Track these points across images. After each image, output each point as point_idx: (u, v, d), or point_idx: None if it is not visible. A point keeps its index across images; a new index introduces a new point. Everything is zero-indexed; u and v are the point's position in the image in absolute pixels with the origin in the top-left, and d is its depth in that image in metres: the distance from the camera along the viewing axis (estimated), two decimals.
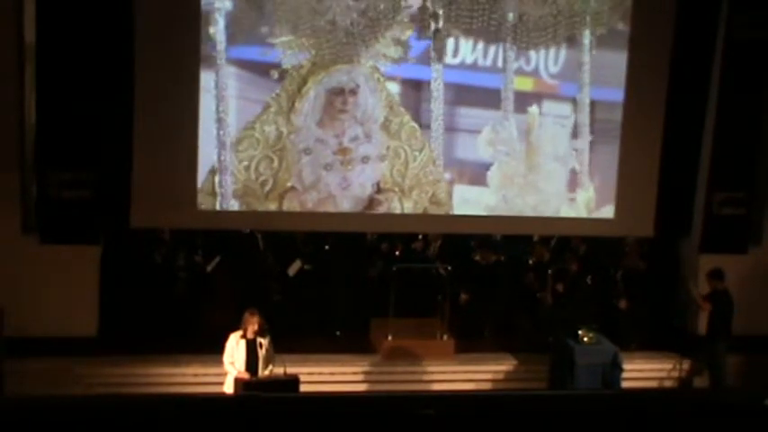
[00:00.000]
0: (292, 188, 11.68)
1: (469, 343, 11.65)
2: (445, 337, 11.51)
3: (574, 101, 11.98)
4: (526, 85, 12.02)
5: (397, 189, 11.89)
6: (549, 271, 11.79)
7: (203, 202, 11.31)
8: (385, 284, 11.52)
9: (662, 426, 4.60)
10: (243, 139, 11.38)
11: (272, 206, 11.51)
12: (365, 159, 11.75)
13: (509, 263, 12.37)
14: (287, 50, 11.30)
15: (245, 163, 11.45)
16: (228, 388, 9.26)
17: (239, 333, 9.25)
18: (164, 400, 5.00)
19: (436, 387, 11.02)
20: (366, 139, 11.80)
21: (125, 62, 10.60)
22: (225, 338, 9.33)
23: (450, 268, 11.55)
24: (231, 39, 11.13)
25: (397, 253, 12.55)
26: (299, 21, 11.32)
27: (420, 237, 12.76)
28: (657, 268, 12.41)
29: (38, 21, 10.36)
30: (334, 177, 11.75)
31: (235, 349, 9.23)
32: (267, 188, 11.59)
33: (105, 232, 11.10)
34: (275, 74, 11.37)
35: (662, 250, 12.50)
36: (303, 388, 9.37)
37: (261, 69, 11.40)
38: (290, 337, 10.26)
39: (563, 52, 11.84)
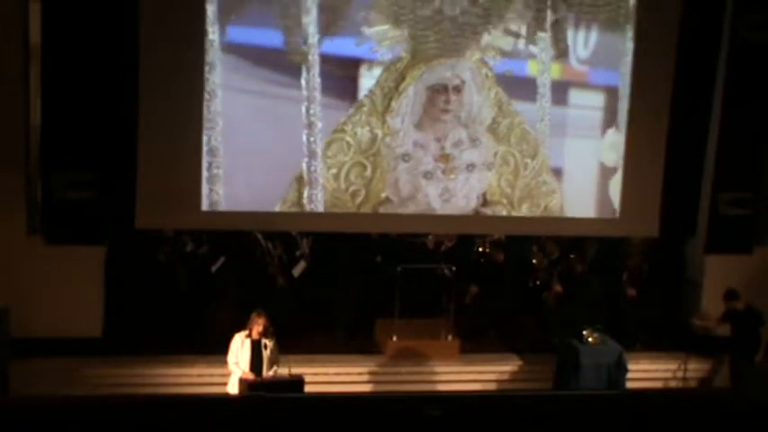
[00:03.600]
0: (387, 200, 10.69)
1: (475, 343, 11.64)
2: (450, 337, 11.50)
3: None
4: None
5: (505, 201, 10.83)
6: (556, 272, 11.78)
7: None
8: (390, 285, 11.50)
9: (666, 426, 4.59)
10: (331, 143, 10.39)
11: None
12: (470, 167, 10.66)
13: (514, 263, 12.35)
14: (382, 42, 10.20)
15: (334, 170, 10.44)
16: (233, 388, 9.26)
17: (244, 333, 9.26)
18: (168, 401, 5.00)
19: (441, 387, 11.01)
20: (471, 144, 10.66)
21: (130, 63, 10.60)
22: (230, 339, 9.34)
23: (455, 269, 11.54)
24: (323, 30, 10.02)
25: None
26: (401, 10, 10.15)
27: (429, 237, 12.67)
28: (662, 268, 12.39)
29: (43, 22, 10.38)
30: (435, 188, 10.69)
31: (239, 350, 9.23)
32: (359, 199, 10.66)
33: (110, 233, 11.11)
34: (369, 68, 10.37)
35: (667, 251, 12.48)
36: (308, 389, 9.37)
37: (353, 64, 10.24)
38: (295, 337, 10.27)
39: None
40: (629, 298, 11.95)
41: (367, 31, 10.18)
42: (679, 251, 12.53)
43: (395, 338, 11.36)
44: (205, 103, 10.79)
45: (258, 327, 9.20)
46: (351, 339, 11.71)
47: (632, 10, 11.56)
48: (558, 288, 11.53)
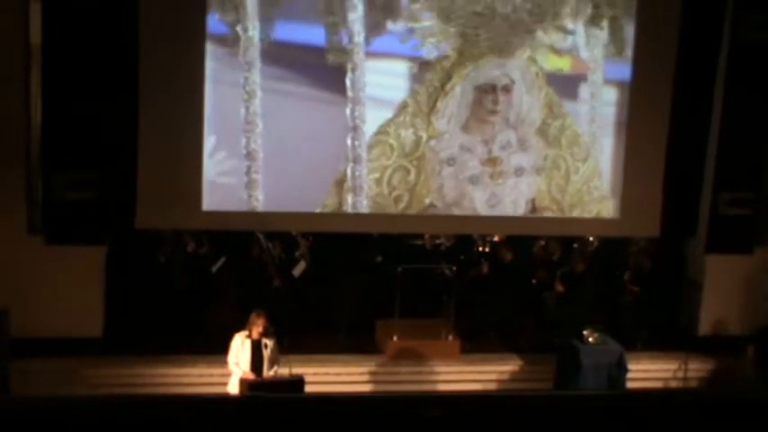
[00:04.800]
0: (431, 206, 10.32)
1: (475, 343, 11.64)
2: (451, 337, 11.50)
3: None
4: None
5: (555, 208, 10.47)
6: (558, 272, 11.78)
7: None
8: (391, 285, 11.50)
9: (666, 426, 4.59)
10: (374, 146, 9.98)
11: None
12: (518, 171, 10.29)
13: (515, 263, 12.35)
14: (428, 39, 9.73)
15: (376, 175, 10.02)
16: (233, 388, 9.26)
17: (244, 333, 9.26)
18: (169, 401, 5.00)
19: (442, 387, 11.01)
20: (520, 147, 10.25)
21: (130, 63, 10.61)
22: (230, 339, 9.34)
23: (455, 268, 11.54)
24: (369, 28, 9.50)
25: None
26: (450, 6, 9.68)
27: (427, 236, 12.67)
28: (663, 268, 12.39)
29: (43, 22, 10.37)
30: (482, 193, 10.29)
31: (240, 350, 9.23)
32: (402, 205, 10.29)
33: (110, 233, 11.11)
34: (414, 67, 9.91)
35: (668, 250, 12.47)
36: (308, 388, 9.37)
37: (397, 62, 9.76)
38: (295, 337, 10.27)
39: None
40: (631, 297, 11.94)
41: (413, 27, 9.76)
42: (679, 251, 12.53)
43: (395, 338, 11.36)
44: (243, 104, 10.50)
45: (258, 327, 9.20)
46: (351, 339, 11.70)
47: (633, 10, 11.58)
48: (563, 288, 11.52)
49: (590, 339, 10.74)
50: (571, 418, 4.55)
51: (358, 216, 11.36)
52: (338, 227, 11.43)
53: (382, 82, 9.80)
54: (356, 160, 9.92)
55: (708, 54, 11.75)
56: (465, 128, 10.08)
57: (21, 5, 10.39)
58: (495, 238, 12.40)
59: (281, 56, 10.26)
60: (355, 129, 9.80)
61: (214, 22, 10.59)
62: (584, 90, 10.67)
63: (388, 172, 10.02)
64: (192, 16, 10.73)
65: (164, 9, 10.64)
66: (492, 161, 9.99)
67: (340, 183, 10.27)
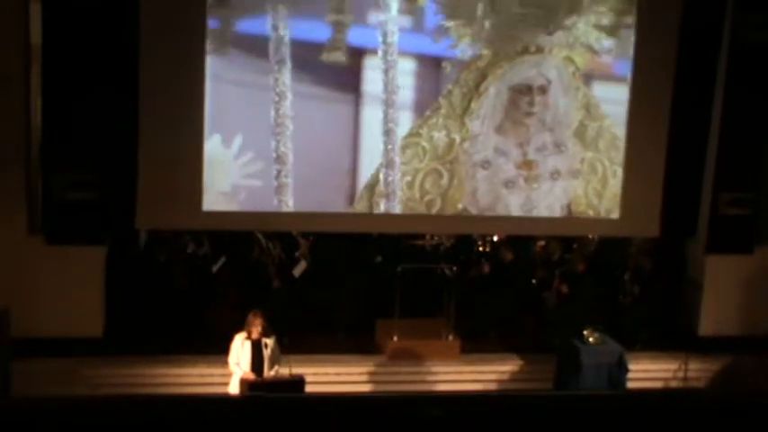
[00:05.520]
0: (464, 211, 10.06)
1: (475, 343, 11.64)
2: (451, 337, 11.50)
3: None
4: None
5: (591, 213, 10.17)
6: (558, 272, 11.78)
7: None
8: (391, 285, 11.50)
9: (666, 426, 4.59)
10: (405, 149, 9.69)
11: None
12: (554, 175, 10.00)
13: (515, 263, 12.35)
14: (462, 38, 9.37)
15: (408, 178, 9.72)
16: (234, 389, 9.26)
17: (244, 334, 9.27)
18: (169, 401, 5.00)
19: (442, 387, 11.01)
20: (556, 150, 9.96)
21: (130, 63, 10.61)
22: (230, 339, 9.35)
23: (455, 268, 11.54)
24: (402, 27, 9.16)
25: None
26: (483, 3, 9.34)
27: (427, 236, 12.67)
28: (663, 268, 12.39)
29: (44, 22, 10.38)
30: (516, 198, 10.01)
31: (240, 350, 9.24)
32: (434, 209, 10.03)
33: (111, 233, 11.12)
34: (447, 67, 9.59)
35: (668, 250, 12.48)
36: (309, 388, 9.38)
37: (431, 62, 9.39)
38: (295, 337, 10.27)
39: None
40: (631, 298, 11.94)
41: (446, 26, 9.45)
42: (680, 251, 12.53)
43: (395, 338, 11.36)
44: (273, 106, 10.21)
45: (256, 327, 9.20)
46: (351, 339, 11.71)
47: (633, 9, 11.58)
48: (563, 288, 11.51)
49: (590, 339, 10.74)
50: (571, 418, 4.55)
51: (358, 216, 11.34)
52: (338, 227, 11.45)
53: (412, 83, 9.48)
54: (389, 165, 9.60)
55: (708, 54, 11.74)
56: (499, 130, 9.82)
57: (21, 5, 10.40)
58: (495, 238, 12.43)
59: (308, 55, 10.00)
60: (388, 133, 9.54)
61: (244, 22, 10.26)
62: (621, 92, 10.32)
63: (420, 175, 9.73)
64: (192, 16, 10.73)
65: (164, 9, 10.64)
66: (527, 164, 9.70)
67: (371, 187, 9.99)
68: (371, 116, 9.65)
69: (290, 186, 10.43)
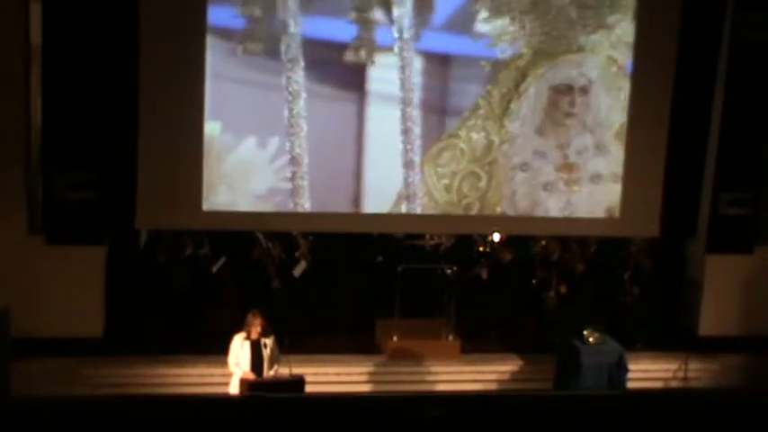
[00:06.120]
0: (503, 214, 9.87)
1: (475, 343, 11.64)
2: (451, 337, 11.50)
3: None
4: None
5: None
6: (558, 272, 11.78)
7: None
8: (391, 285, 11.50)
9: (666, 426, 4.59)
10: (443, 151, 9.45)
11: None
12: (595, 178, 9.86)
13: (515, 263, 12.35)
14: (501, 37, 9.13)
15: (446, 181, 9.46)
16: (234, 389, 9.26)
17: (244, 334, 9.27)
18: (169, 401, 5.00)
19: (442, 387, 11.01)
20: (597, 152, 9.79)
21: (131, 63, 10.60)
22: (230, 339, 9.35)
23: (455, 268, 11.54)
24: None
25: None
26: (522, 1, 9.07)
27: (427, 236, 12.65)
28: (663, 268, 12.39)
29: (44, 22, 10.38)
30: (556, 202, 9.83)
31: (239, 350, 9.24)
32: (472, 213, 9.84)
33: (111, 233, 11.12)
34: (486, 66, 9.32)
35: (668, 250, 12.47)
36: (309, 388, 9.38)
37: (467, 61, 9.00)
38: (295, 337, 10.26)
39: None
40: (631, 298, 11.94)
41: (483, 25, 9.17)
42: (680, 251, 12.53)
43: (395, 338, 11.36)
44: (287, 105, 9.95)
45: (256, 327, 9.20)
46: (351, 339, 11.71)
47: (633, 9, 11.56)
48: (563, 288, 11.51)
49: (590, 339, 10.74)
50: (571, 418, 4.55)
51: (358, 216, 11.33)
52: (339, 227, 11.44)
53: (446, 84, 9.15)
54: (410, 166, 9.35)
55: (708, 54, 11.74)
56: (539, 131, 9.59)
57: (21, 5, 10.40)
58: (497, 238, 12.42)
59: (323, 53, 9.73)
60: (406, 132, 9.29)
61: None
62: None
63: (458, 178, 9.51)
64: (192, 14, 10.72)
65: (164, 8, 10.63)
66: (567, 167, 9.48)
67: (393, 189, 9.69)
68: (388, 115, 9.34)
69: (306, 189, 10.23)
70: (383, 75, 9.32)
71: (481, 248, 12.42)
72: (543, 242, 12.40)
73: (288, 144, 10.14)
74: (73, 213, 10.67)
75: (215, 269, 11.71)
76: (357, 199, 10.05)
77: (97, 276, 10.97)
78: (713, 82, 11.79)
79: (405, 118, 9.28)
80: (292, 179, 10.26)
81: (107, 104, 10.61)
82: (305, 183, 10.22)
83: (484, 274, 11.94)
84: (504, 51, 9.24)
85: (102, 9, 10.36)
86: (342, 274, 11.94)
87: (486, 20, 9.09)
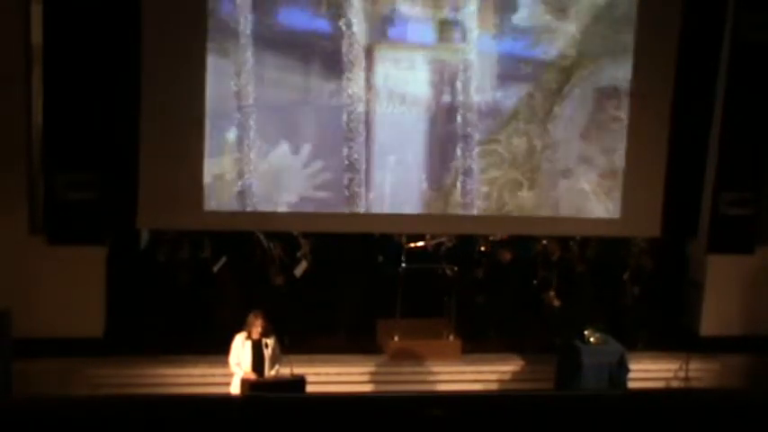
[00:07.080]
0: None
1: (476, 343, 11.64)
2: (452, 337, 11.50)
3: None
4: None
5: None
6: (559, 272, 11.77)
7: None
8: (392, 285, 11.50)
9: (667, 426, 4.59)
10: (483, 156, 9.11)
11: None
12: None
13: (516, 263, 12.35)
14: (544, 36, 8.80)
15: (485, 188, 9.19)
16: (235, 389, 9.26)
17: (245, 334, 9.27)
18: (170, 401, 5.00)
19: (443, 387, 11.01)
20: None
21: (132, 63, 10.61)
22: (231, 339, 9.35)
23: (456, 269, 11.53)
24: (480, 24, 8.47)
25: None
26: (567, 0, 8.75)
27: (428, 236, 12.66)
28: (664, 268, 12.39)
29: (45, 22, 10.39)
30: (601, 210, 9.59)
31: (240, 350, 9.24)
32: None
33: (112, 233, 11.12)
34: (528, 68, 9.02)
35: (669, 251, 12.47)
36: (310, 388, 9.38)
37: (511, 62, 8.65)
38: (296, 337, 10.27)
39: None
40: (632, 298, 11.94)
41: (525, 25, 8.87)
42: (681, 251, 12.52)
43: (396, 338, 11.36)
44: (345, 109, 9.64)
45: (257, 327, 9.21)
46: (352, 339, 11.71)
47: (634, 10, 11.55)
48: (561, 288, 11.51)
49: (591, 339, 10.74)
50: (572, 418, 4.55)
51: (358, 216, 11.33)
52: (339, 227, 11.43)
53: (491, 84, 8.78)
54: (467, 174, 9.02)
55: (708, 54, 11.74)
56: (584, 136, 9.25)
57: (22, 6, 10.40)
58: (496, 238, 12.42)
59: (389, 54, 9.41)
60: (465, 138, 8.93)
61: (319, 20, 9.76)
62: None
63: (498, 185, 9.16)
64: (193, 15, 10.73)
65: (165, 9, 10.64)
66: (613, 174, 8.89)
67: (445, 197, 9.42)
68: (448, 119, 9.05)
69: (363, 195, 9.93)
70: (418, 77, 9.02)
71: (482, 248, 12.44)
72: (544, 242, 12.41)
73: (345, 150, 9.91)
74: (74, 213, 10.68)
75: (216, 269, 11.72)
76: (414, 204, 9.46)
77: (98, 276, 10.97)
78: (714, 82, 11.79)
79: (463, 123, 8.87)
80: (349, 186, 10.08)
81: (108, 104, 10.62)
82: (362, 190, 10.03)
83: (485, 269, 11.92)
84: (546, 52, 8.91)
85: (103, 9, 10.36)
86: (343, 275, 11.94)
87: (530, 19, 8.80)
